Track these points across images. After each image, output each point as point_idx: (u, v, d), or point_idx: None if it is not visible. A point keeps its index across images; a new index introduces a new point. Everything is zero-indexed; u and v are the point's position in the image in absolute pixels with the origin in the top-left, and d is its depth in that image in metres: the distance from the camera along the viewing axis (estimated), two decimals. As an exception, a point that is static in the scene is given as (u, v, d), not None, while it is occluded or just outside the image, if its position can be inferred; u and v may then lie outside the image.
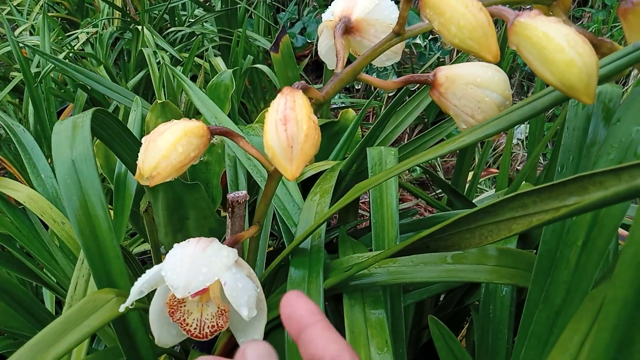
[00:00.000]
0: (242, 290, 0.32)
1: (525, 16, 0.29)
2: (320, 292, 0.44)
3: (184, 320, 0.34)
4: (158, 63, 1.46)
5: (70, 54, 1.63)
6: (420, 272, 0.45)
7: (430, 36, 2.37)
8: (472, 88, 0.38)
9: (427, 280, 0.44)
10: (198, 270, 0.31)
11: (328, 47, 0.45)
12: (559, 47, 0.27)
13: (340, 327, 0.43)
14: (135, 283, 0.33)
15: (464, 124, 0.39)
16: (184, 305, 0.34)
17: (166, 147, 0.36)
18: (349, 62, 0.41)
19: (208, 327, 0.34)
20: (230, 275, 0.32)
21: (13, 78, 1.66)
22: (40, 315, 0.55)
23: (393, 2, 0.43)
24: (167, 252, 0.67)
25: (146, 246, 0.97)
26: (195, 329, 0.34)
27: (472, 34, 0.28)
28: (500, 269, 0.45)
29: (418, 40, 2.27)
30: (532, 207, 0.31)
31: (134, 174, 0.64)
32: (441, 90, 0.39)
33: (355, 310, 0.44)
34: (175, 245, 0.34)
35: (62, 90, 1.62)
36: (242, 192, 0.45)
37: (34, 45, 1.66)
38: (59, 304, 0.97)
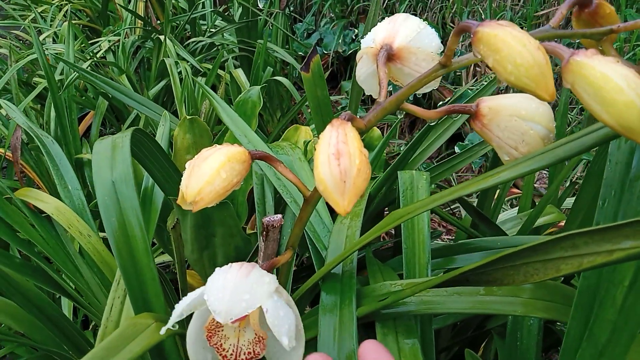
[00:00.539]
0: (283, 318, 0.32)
1: (581, 55, 0.28)
2: (354, 320, 0.44)
3: (221, 345, 0.34)
4: (179, 73, 1.47)
5: (93, 62, 1.65)
6: (454, 302, 0.44)
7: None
8: (517, 120, 0.37)
9: (461, 312, 0.44)
10: (240, 296, 0.31)
11: (367, 74, 0.45)
12: (618, 88, 0.27)
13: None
14: (177, 306, 0.33)
15: (506, 155, 0.38)
16: (222, 330, 0.34)
17: (210, 174, 0.36)
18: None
19: (244, 354, 0.34)
20: (272, 303, 0.32)
21: (36, 84, 1.68)
22: (67, 329, 0.55)
23: (433, 29, 0.43)
24: (191, 267, 0.66)
25: (165, 257, 0.97)
26: (231, 354, 0.34)
27: (529, 72, 0.28)
28: (535, 301, 0.44)
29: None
30: (584, 248, 0.30)
31: (162, 189, 0.64)
32: (484, 121, 0.38)
33: (388, 340, 0.44)
34: (217, 269, 0.34)
35: (83, 97, 1.64)
36: (278, 217, 0.45)
37: (57, 53, 1.68)
38: (75, 313, 0.98)
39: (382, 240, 0.75)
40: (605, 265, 0.29)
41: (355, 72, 0.45)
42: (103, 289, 0.69)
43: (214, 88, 1.66)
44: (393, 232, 0.95)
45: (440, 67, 0.36)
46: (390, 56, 0.41)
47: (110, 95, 1.54)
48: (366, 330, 0.52)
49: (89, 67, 1.72)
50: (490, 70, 0.30)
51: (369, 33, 0.44)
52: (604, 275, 0.39)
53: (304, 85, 0.64)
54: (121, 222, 0.40)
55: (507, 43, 0.28)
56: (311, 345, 0.52)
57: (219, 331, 0.34)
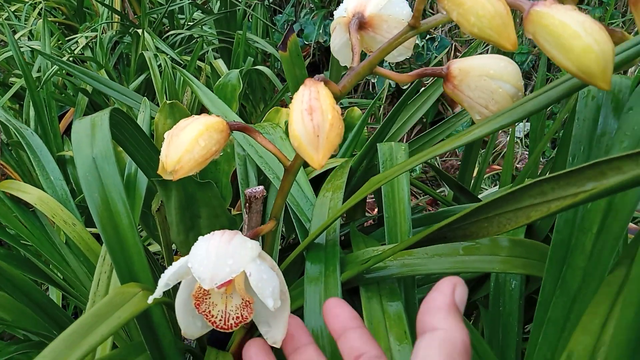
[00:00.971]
0: (267, 281, 0.33)
1: (540, 5, 0.30)
2: (338, 286, 0.45)
3: (209, 312, 0.35)
4: (159, 66, 1.46)
5: (71, 59, 1.63)
6: (435, 263, 0.45)
7: (428, 36, 2.39)
8: (486, 80, 0.38)
9: (442, 272, 0.45)
10: (224, 262, 0.32)
11: (341, 44, 0.45)
12: (576, 34, 0.28)
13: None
14: (162, 275, 0.33)
15: (478, 115, 0.39)
16: (209, 297, 0.35)
17: (189, 141, 0.36)
18: (362, 58, 0.42)
19: (233, 319, 0.35)
20: (255, 266, 0.33)
21: (12, 84, 1.66)
22: (56, 315, 0.55)
23: (404, -2, 0.44)
24: (178, 251, 0.67)
25: (155, 247, 0.97)
26: (220, 320, 0.35)
27: (491, 23, 0.29)
28: (513, 259, 0.46)
29: (416, 41, 2.28)
30: (551, 193, 0.32)
31: (145, 174, 0.65)
32: (455, 82, 0.39)
33: (372, 302, 0.45)
34: (200, 238, 0.35)
35: (63, 95, 1.63)
36: (259, 188, 0.45)
37: (33, 51, 1.66)
38: (64, 307, 0.98)
39: (365, 216, 0.77)
40: (571, 207, 0.30)
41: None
42: (90, 277, 0.69)
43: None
44: (377, 208, 0.96)
45: (410, 29, 0.37)
46: (362, 24, 0.42)
47: (90, 91, 1.53)
48: (351, 296, 0.54)
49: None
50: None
51: (341, 4, 0.45)
52: (575, 226, 0.40)
53: (282, 65, 0.65)
54: (104, 198, 0.41)
55: (469, -4, 0.29)
56: (299, 315, 0.53)
57: (206, 298, 0.35)
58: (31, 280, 0.55)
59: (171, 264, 0.35)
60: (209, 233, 0.36)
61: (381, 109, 2.04)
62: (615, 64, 0.34)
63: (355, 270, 0.45)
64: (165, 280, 0.34)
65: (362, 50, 0.46)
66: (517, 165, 1.81)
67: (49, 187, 0.74)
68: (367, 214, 1.34)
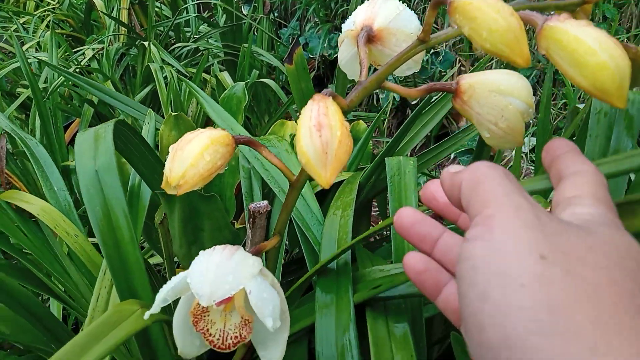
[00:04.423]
0: (267, 300, 0.32)
1: (554, 20, 0.29)
2: (351, 309, 0.43)
3: (207, 330, 0.34)
4: (165, 78, 1.47)
5: (77, 70, 1.64)
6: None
7: (432, 50, 2.39)
8: (496, 96, 0.38)
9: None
10: (224, 278, 0.31)
11: (348, 57, 0.45)
12: (591, 50, 0.27)
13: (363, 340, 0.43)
14: (160, 290, 0.33)
15: (487, 132, 0.39)
16: (208, 315, 0.34)
17: (193, 156, 0.36)
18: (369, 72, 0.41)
19: (231, 338, 0.34)
20: (256, 284, 0.32)
21: (19, 94, 1.67)
22: (56, 329, 0.54)
23: (413, 12, 0.43)
24: (180, 264, 0.66)
25: (157, 259, 0.96)
26: (218, 339, 0.34)
27: (504, 38, 0.28)
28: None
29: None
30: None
31: (149, 186, 0.64)
32: (464, 98, 0.39)
33: (378, 323, 0.44)
34: (201, 252, 0.34)
35: (69, 105, 1.63)
36: (264, 203, 0.45)
37: (40, 61, 1.67)
38: (64, 320, 0.96)
39: (370, 227, 0.76)
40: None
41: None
42: (91, 289, 0.68)
43: (200, 92, 1.66)
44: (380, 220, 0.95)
45: (419, 43, 0.36)
46: (370, 38, 0.42)
47: (95, 102, 1.53)
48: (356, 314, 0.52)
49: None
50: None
51: (349, 17, 0.44)
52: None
53: (288, 78, 0.64)
54: (105, 212, 0.40)
55: (481, 10, 0.28)
56: (305, 334, 0.52)
57: (205, 316, 0.34)
58: (31, 293, 0.54)
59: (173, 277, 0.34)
60: (211, 247, 0.35)
61: (385, 122, 2.03)
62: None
63: (366, 295, 0.43)
64: (163, 295, 0.33)
65: (370, 64, 0.45)
66: (523, 180, 1.80)
67: (52, 198, 0.73)
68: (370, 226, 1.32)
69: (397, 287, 0.45)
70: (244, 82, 0.77)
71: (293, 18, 2.74)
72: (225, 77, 1.41)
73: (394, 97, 2.02)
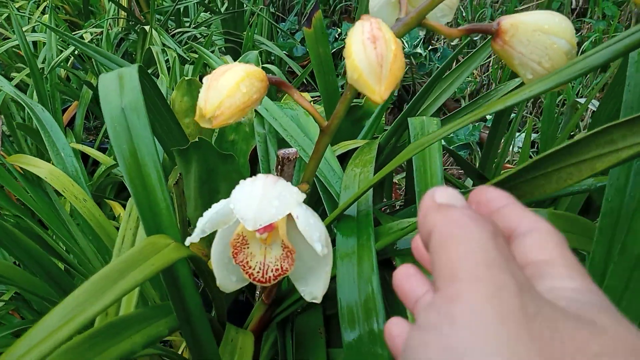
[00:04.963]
0: (314, 226, 0.31)
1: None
2: (373, 256, 0.42)
3: (247, 262, 0.32)
4: (166, 62, 1.45)
5: (76, 52, 1.61)
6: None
7: (430, 47, 2.40)
8: (540, 34, 0.37)
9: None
10: (270, 202, 0.30)
11: (381, 4, 0.44)
12: None
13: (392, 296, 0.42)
14: (200, 219, 0.31)
15: (530, 73, 0.38)
16: (248, 247, 0.33)
17: (230, 87, 0.35)
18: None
19: (272, 271, 0.32)
20: (302, 210, 0.31)
21: (13, 78, 1.64)
22: (67, 286, 0.53)
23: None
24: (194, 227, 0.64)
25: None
26: (258, 272, 0.32)
27: None
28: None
29: (419, 50, 2.30)
30: (622, 141, 0.30)
31: (163, 146, 0.62)
32: (506, 38, 0.38)
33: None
34: (241, 181, 0.32)
35: (67, 88, 1.60)
36: (293, 149, 0.43)
37: (36, 43, 1.64)
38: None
39: (392, 199, 0.75)
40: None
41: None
42: (99, 255, 0.66)
43: (201, 78, 1.64)
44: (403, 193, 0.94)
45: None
46: (407, -20, 0.41)
47: (95, 85, 1.50)
48: (382, 271, 0.51)
49: (73, 58, 1.69)
50: None
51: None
52: (627, 193, 0.39)
53: (306, 43, 0.63)
54: (132, 150, 0.39)
55: None
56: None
57: (244, 248, 0.32)
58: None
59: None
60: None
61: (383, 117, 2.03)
62: None
63: (392, 237, 0.42)
64: (202, 225, 0.32)
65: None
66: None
67: (59, 163, 0.72)
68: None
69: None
70: (257, 51, 0.76)
71: (291, 13, 2.74)
72: (228, 59, 1.39)
73: (392, 92, 2.02)
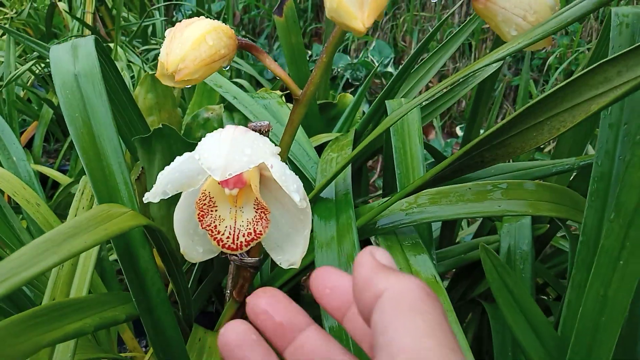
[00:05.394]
0: (291, 177, 0.27)
1: None
2: (354, 235, 0.39)
3: (215, 227, 0.28)
4: (132, 78, 1.41)
5: (38, 72, 1.56)
6: (462, 208, 0.41)
7: (400, 66, 2.42)
8: (522, -12, 0.35)
9: (473, 215, 0.40)
10: (241, 150, 0.26)
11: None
12: None
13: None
14: (160, 174, 0.27)
15: (514, 29, 0.36)
16: (215, 210, 0.29)
17: (195, 38, 0.31)
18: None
19: (243, 236, 0.28)
20: (277, 160, 0.27)
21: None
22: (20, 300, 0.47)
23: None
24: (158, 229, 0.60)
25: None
26: (227, 238, 0.28)
27: None
28: (543, 203, 0.42)
29: (390, 69, 2.32)
30: (617, 79, 0.28)
31: (123, 139, 0.58)
32: (487, -6, 0.36)
33: (394, 251, 0.39)
34: (208, 134, 0.29)
35: (26, 107, 1.54)
36: (265, 122, 0.40)
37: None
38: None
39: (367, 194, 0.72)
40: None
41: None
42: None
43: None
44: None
45: None
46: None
47: (56, 104, 1.45)
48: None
49: (34, 79, 1.63)
50: None
51: None
52: (616, 156, 0.37)
53: (277, 32, 0.61)
54: (86, 120, 0.35)
55: None
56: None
57: (211, 210, 0.29)
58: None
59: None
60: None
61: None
62: None
63: (374, 212, 0.39)
64: (163, 186, 0.28)
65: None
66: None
67: (10, 168, 0.66)
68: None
69: (411, 214, 0.41)
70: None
71: (261, 36, 2.74)
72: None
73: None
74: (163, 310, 0.34)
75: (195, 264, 0.59)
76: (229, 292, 0.53)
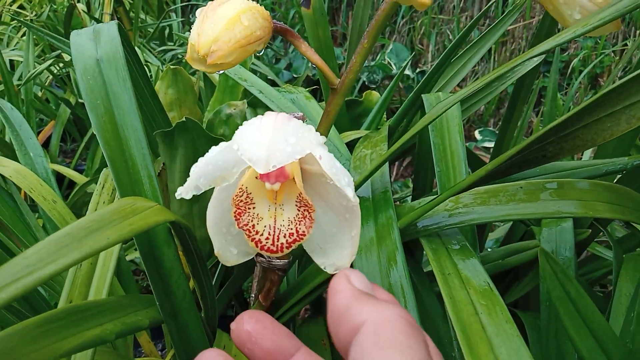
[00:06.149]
0: (341, 170, 0.24)
1: None
2: (397, 238, 0.35)
3: (253, 227, 0.25)
4: (151, 77, 1.39)
5: (57, 73, 1.55)
6: (514, 209, 0.37)
7: (418, 69, 2.40)
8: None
9: (527, 216, 0.37)
10: (285, 140, 0.23)
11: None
12: None
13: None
14: (193, 167, 0.24)
15: (577, 12, 0.33)
16: (253, 207, 0.26)
17: (229, 17, 0.29)
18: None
19: (284, 237, 0.25)
20: (325, 151, 0.24)
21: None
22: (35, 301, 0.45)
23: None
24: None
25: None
26: (267, 239, 0.25)
27: None
28: (598, 203, 0.38)
29: (407, 72, 2.29)
30: None
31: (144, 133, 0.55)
32: (548, -26, 0.33)
33: (440, 254, 0.36)
34: (245, 122, 0.26)
35: (44, 106, 1.53)
36: (300, 113, 0.37)
37: (13, 63, 1.58)
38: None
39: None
40: None
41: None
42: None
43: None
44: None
45: None
46: None
47: (73, 103, 1.44)
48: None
49: (53, 79, 1.63)
50: None
51: None
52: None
53: (305, 24, 0.58)
54: (108, 108, 0.32)
55: None
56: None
57: (249, 208, 0.26)
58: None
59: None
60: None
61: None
62: None
63: (416, 214, 0.36)
64: (195, 180, 0.25)
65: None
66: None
67: (27, 164, 0.64)
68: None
69: (457, 215, 0.38)
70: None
71: (276, 39, 2.73)
72: (215, 76, 1.35)
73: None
74: (189, 316, 0.31)
75: (216, 265, 0.56)
76: (253, 295, 0.50)
